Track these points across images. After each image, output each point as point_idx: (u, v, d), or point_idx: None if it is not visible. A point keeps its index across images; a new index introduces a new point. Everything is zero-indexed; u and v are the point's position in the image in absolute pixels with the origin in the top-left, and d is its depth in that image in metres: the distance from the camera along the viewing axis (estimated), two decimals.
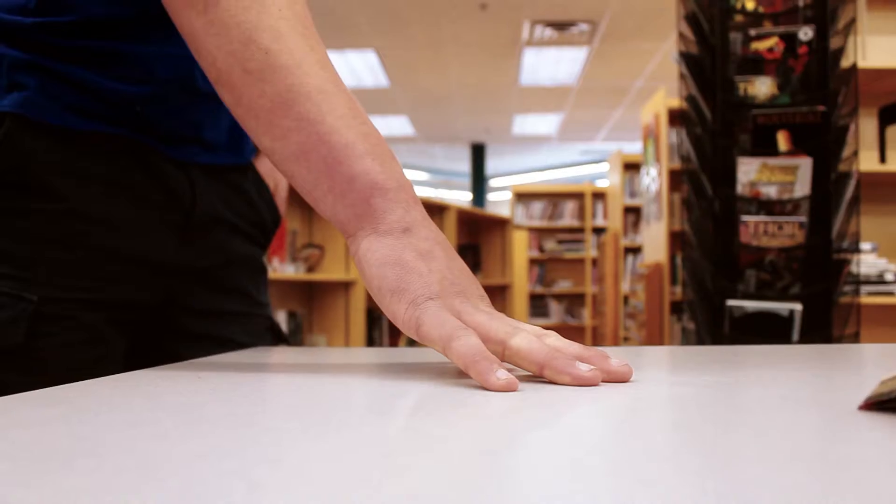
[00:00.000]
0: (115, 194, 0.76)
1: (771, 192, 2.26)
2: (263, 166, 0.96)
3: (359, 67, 7.73)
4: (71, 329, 0.73)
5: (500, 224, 5.59)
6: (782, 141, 2.28)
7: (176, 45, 0.66)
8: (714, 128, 2.44)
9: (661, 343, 4.58)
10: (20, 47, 0.73)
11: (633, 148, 8.11)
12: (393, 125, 10.36)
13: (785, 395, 0.43)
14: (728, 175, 2.37)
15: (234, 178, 0.89)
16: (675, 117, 4.28)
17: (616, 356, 0.48)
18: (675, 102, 3.75)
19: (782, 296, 2.23)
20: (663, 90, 5.07)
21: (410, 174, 14.40)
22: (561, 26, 6.53)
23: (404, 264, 0.53)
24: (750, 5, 2.47)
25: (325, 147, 0.54)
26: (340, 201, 0.55)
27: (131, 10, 0.75)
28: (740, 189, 2.29)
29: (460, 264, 0.56)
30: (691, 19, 2.65)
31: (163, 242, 0.80)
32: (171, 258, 0.81)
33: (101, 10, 0.74)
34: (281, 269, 3.35)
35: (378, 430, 0.34)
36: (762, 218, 2.25)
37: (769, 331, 2.20)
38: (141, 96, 0.77)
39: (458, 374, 0.52)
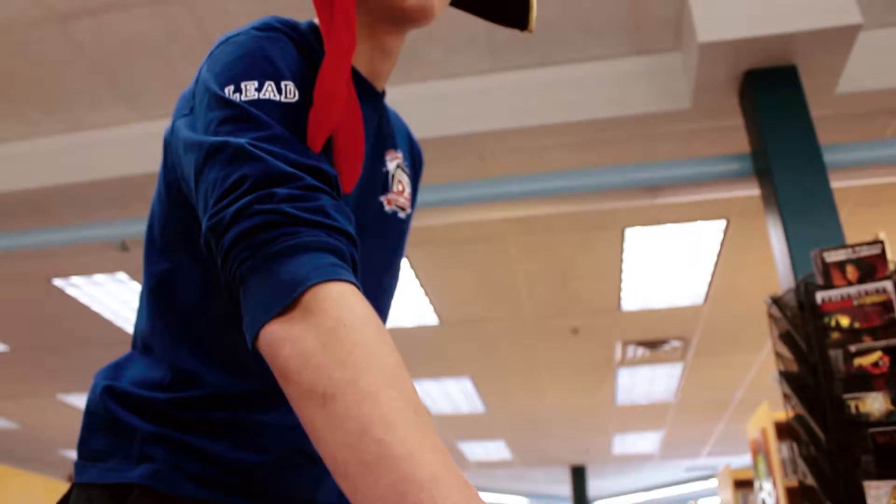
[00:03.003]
0: None
1: None
2: None
3: (455, 394, 7.85)
4: None
5: None
6: None
7: (292, 412, 0.69)
8: (829, 448, 2.33)
9: None
10: (152, 420, 0.79)
11: (742, 461, 7.72)
12: (490, 450, 10.23)
13: None
14: (854, 499, 2.20)
15: None
16: (783, 431, 4.10)
17: None
18: (781, 415, 3.62)
19: None
20: (766, 403, 4.93)
21: (510, 499, 13.85)
22: (653, 345, 6.60)
23: None
24: (845, 322, 2.46)
25: None
26: None
27: (255, 384, 0.80)
28: None
29: None
30: (786, 338, 2.64)
31: None
32: None
33: (228, 385, 0.80)
34: None
35: None
36: None
37: None
38: (259, 464, 0.80)
39: None
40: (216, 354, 0.81)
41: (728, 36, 3.09)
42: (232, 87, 0.73)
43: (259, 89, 0.73)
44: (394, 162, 0.95)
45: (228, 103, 0.72)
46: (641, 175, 3.47)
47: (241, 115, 0.71)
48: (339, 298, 0.64)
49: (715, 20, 3.12)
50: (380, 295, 0.95)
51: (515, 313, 5.96)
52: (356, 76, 0.89)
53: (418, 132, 1.16)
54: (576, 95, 3.58)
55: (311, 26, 0.88)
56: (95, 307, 5.71)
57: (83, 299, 5.57)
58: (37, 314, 5.85)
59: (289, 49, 0.79)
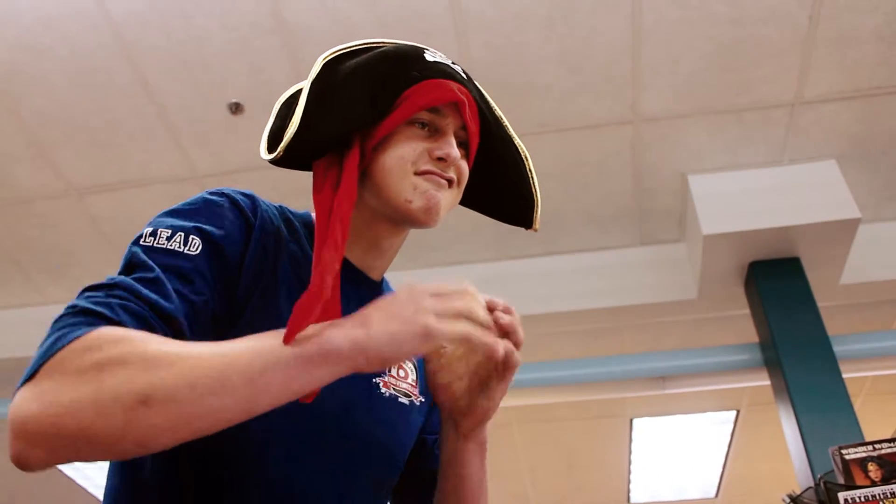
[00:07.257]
0: None
1: None
2: None
3: None
4: None
5: None
6: None
7: None
8: None
9: None
10: None
11: None
12: None
13: None
14: None
15: None
16: None
17: None
18: None
19: None
20: None
21: None
22: None
23: None
24: None
25: None
26: None
27: None
28: None
29: None
30: None
31: None
32: None
33: None
34: None
35: None
36: None
37: None
38: None
39: None
40: None
41: (731, 228, 3.14)
42: (150, 230, 0.85)
43: (169, 238, 0.84)
44: None
45: (132, 254, 0.82)
46: (649, 364, 3.41)
47: (137, 264, 0.81)
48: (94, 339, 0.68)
49: (718, 213, 3.18)
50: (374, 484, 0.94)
51: None
52: (345, 265, 0.91)
53: None
54: (581, 284, 3.59)
55: (286, 210, 0.96)
56: (81, 481, 5.49)
57: (67, 469, 5.37)
58: (4, 484, 5.60)
59: (226, 213, 0.90)
